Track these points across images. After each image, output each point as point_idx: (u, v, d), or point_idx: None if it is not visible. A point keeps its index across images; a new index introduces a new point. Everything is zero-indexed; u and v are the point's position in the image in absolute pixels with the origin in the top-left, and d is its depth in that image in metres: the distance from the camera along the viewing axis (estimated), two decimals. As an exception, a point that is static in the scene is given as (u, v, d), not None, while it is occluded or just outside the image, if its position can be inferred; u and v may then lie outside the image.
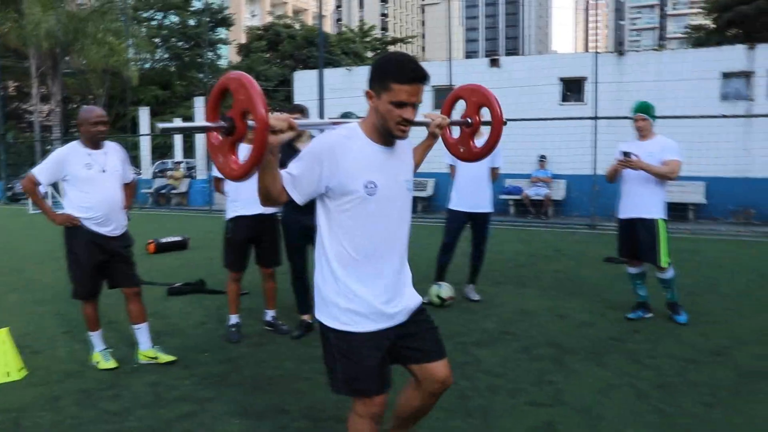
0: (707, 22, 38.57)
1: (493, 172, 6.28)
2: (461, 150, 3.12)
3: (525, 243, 10.51)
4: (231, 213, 5.09)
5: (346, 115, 5.14)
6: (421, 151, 2.84)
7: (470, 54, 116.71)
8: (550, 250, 9.70)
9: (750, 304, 6.19)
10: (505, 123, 2.96)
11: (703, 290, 6.80)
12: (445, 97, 3.16)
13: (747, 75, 14.25)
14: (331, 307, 2.34)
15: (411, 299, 2.48)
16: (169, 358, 4.58)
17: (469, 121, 2.99)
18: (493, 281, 7.17)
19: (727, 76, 14.34)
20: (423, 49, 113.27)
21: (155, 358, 4.57)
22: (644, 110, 5.56)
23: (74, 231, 4.31)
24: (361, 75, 18.77)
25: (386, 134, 2.29)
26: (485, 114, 2.99)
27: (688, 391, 3.97)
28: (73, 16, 25.36)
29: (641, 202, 5.43)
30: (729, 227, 12.95)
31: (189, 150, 23.85)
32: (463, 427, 3.47)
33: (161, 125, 2.10)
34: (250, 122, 2.05)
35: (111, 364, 4.48)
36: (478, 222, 6.23)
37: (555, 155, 14.75)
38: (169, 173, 20.46)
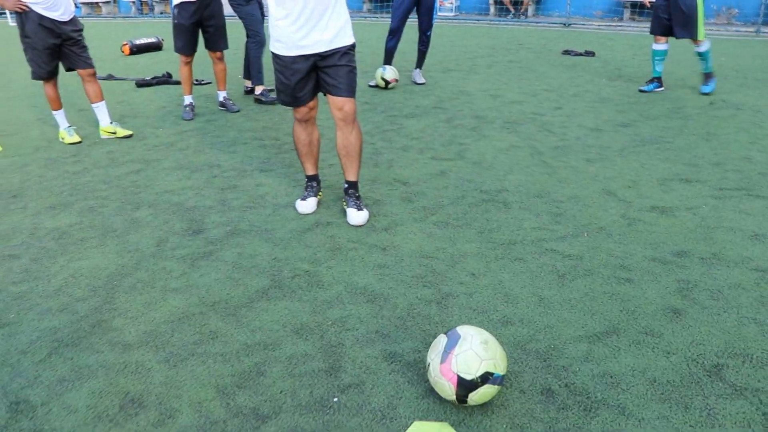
0: None
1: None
2: None
3: (493, 38, 10.68)
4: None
5: None
6: None
7: None
8: (514, 44, 9.90)
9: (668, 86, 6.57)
10: None
11: (642, 78, 7.13)
12: None
13: None
14: (272, 40, 3.15)
15: (331, 37, 3.07)
16: (126, 132, 5.12)
17: None
18: (443, 69, 7.54)
19: None
20: None
21: (114, 132, 5.11)
22: None
23: (26, 17, 4.64)
24: None
25: None
26: None
27: (579, 151, 4.51)
28: None
29: None
30: (709, 27, 12.87)
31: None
32: (370, 173, 4.05)
33: None
34: None
35: (75, 138, 5.03)
36: (423, 8, 6.45)
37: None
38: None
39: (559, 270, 2.83)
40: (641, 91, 6.30)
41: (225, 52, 5.66)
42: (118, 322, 2.54)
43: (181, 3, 5.31)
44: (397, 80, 6.50)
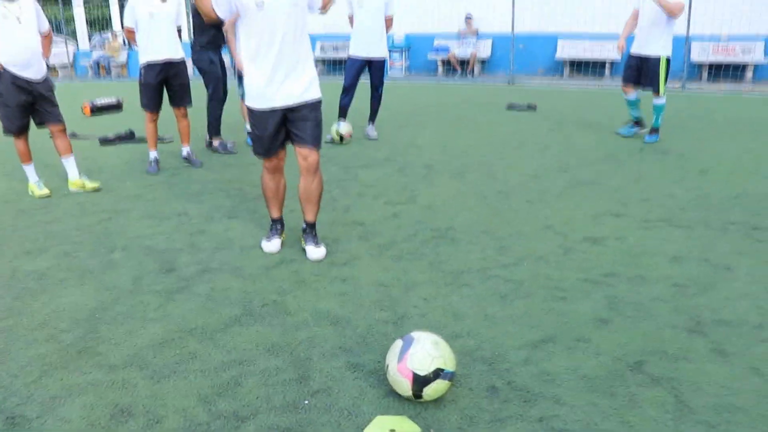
0: None
1: (388, 21, 6.89)
2: None
3: (441, 95, 11.26)
4: (143, 60, 5.71)
5: None
6: None
7: None
8: (461, 100, 10.48)
9: (601, 136, 7.12)
10: None
11: (580, 130, 7.69)
12: None
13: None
14: (247, 95, 3.46)
15: (300, 91, 3.41)
16: (95, 184, 5.36)
17: None
18: (396, 125, 7.98)
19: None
20: None
21: (83, 185, 5.34)
22: None
23: (0, 76, 4.91)
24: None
25: None
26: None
27: (520, 194, 4.92)
28: None
29: (652, 40, 6.46)
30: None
31: (126, 20, 23.44)
32: (328, 217, 4.36)
33: None
34: None
35: (44, 191, 5.24)
36: (374, 67, 6.91)
37: (481, 14, 15.22)
38: (106, 43, 20.35)
39: (502, 292, 3.16)
40: (617, 133, 7.04)
41: (189, 109, 5.98)
42: (102, 347, 2.76)
43: (148, 64, 5.65)
44: (351, 135, 6.90)
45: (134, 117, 9.62)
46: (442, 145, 6.75)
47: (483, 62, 15.58)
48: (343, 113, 6.98)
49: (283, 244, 3.88)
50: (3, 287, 3.44)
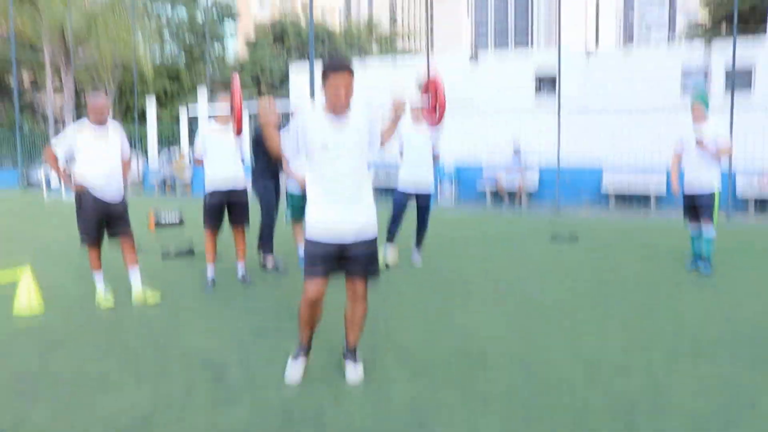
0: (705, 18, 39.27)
1: (435, 157, 7.42)
2: (426, 119, 5.06)
3: (488, 225, 11.66)
4: (209, 188, 6.31)
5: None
6: (389, 126, 3.85)
7: (480, 44, 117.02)
8: (505, 232, 10.83)
9: (655, 279, 7.29)
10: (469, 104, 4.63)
11: (632, 261, 7.89)
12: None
13: (705, 72, 15.22)
14: (308, 218, 3.72)
15: (359, 228, 3.66)
16: (155, 297, 5.80)
17: (428, 98, 4.78)
18: (441, 251, 8.36)
19: (686, 73, 15.37)
20: (430, 43, 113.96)
21: (144, 297, 5.78)
22: (701, 98, 6.93)
23: (83, 195, 5.52)
24: (356, 67, 19.90)
25: (333, 108, 3.55)
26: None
27: (555, 321, 5.12)
28: (86, 12, 26.66)
29: (702, 178, 6.87)
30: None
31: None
32: (366, 337, 4.63)
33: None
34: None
35: (109, 303, 5.70)
36: (421, 200, 7.37)
37: (529, 146, 15.86)
38: (173, 162, 21.69)
39: (529, 417, 3.35)
40: (687, 269, 7.12)
41: (246, 229, 6.50)
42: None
43: (213, 192, 6.24)
44: (396, 262, 7.27)
45: (194, 231, 10.27)
46: (483, 271, 7.05)
47: (530, 193, 16.04)
48: (390, 237, 7.37)
49: (306, 363, 3.99)
50: (68, 384, 3.78)
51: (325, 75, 3.50)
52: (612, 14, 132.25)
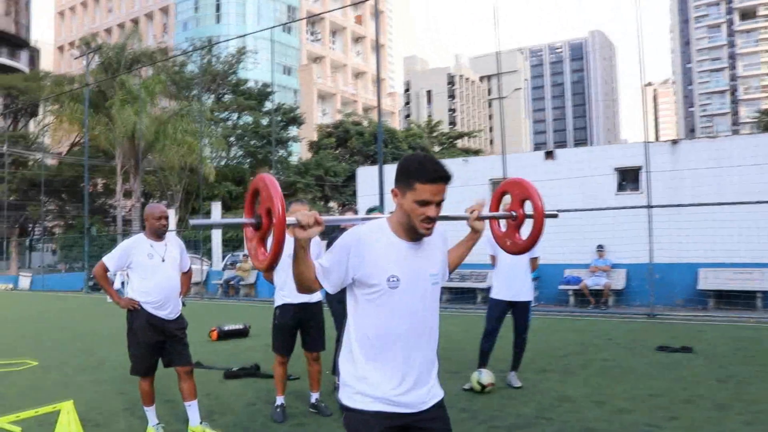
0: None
1: (533, 261, 6.50)
2: (508, 243, 3.08)
3: (579, 332, 10.48)
4: (279, 301, 5.50)
5: (372, 210, 5.66)
6: (465, 246, 2.80)
7: (538, 145, 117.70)
8: (603, 338, 9.65)
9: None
10: (555, 215, 3.00)
11: (757, 379, 6.67)
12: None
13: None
14: (347, 388, 2.45)
15: (430, 392, 2.49)
16: (216, 435, 4.91)
17: (513, 214, 2.98)
18: (538, 369, 7.24)
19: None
20: (491, 142, 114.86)
21: (203, 435, 4.90)
22: None
23: (135, 313, 4.80)
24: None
25: (411, 230, 2.41)
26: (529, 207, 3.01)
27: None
28: (155, 119, 27.41)
29: None
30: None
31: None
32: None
33: (193, 222, 2.36)
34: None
35: (163, 439, 4.84)
36: (519, 310, 6.42)
37: (613, 244, 14.74)
38: (238, 265, 21.32)
39: None
40: None
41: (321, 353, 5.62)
42: None
43: (283, 305, 5.41)
44: (493, 384, 6.22)
45: (260, 345, 9.45)
46: (597, 400, 5.91)
47: (617, 293, 14.78)
48: (484, 359, 6.38)
49: None
50: None
51: (408, 183, 2.36)
52: (670, 108, 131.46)
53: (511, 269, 6.37)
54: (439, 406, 2.51)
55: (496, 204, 3.13)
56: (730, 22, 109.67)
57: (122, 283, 14.68)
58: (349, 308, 2.50)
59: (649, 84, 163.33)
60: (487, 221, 2.82)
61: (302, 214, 2.30)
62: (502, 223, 3.16)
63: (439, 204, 2.37)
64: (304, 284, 2.43)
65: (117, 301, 4.89)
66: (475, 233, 2.76)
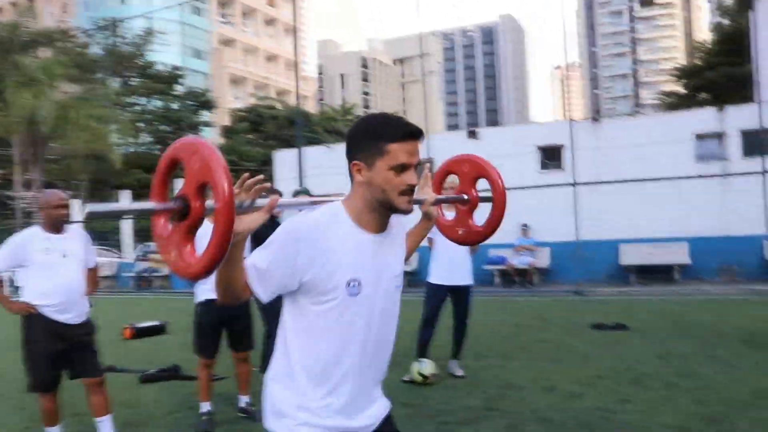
0: (678, 89, 40.05)
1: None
2: (460, 232, 2.62)
3: (510, 313, 10.33)
4: (200, 296, 4.90)
5: (299, 193, 5.16)
6: (416, 236, 2.32)
7: (451, 127, 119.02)
8: (536, 319, 9.52)
9: (744, 367, 6.00)
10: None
11: (695, 353, 6.61)
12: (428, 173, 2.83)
13: (719, 136, 14.49)
14: (287, 419, 1.93)
15: (381, 407, 2.07)
16: (134, 452, 4.30)
17: (465, 197, 2.53)
18: (477, 355, 6.94)
19: (700, 137, 14.58)
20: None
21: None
22: None
23: (32, 319, 4.11)
24: (341, 151, 18.92)
25: (382, 215, 1.90)
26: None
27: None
28: (57, 103, 25.64)
29: None
30: (715, 287, 12.88)
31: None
32: None
33: (90, 209, 1.61)
34: (209, 202, 1.60)
35: (71, 462, 4.20)
36: (459, 295, 6.07)
37: (538, 223, 14.74)
38: (151, 256, 20.26)
39: None
40: None
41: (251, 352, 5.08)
42: None
43: (206, 301, 4.83)
44: (436, 375, 5.84)
45: (178, 340, 8.76)
46: (544, 386, 5.63)
47: (542, 271, 14.82)
48: (423, 349, 5.98)
49: None
50: None
51: (377, 148, 1.84)
52: (578, 91, 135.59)
53: (450, 253, 5.99)
54: (388, 417, 2.08)
55: (437, 188, 2.62)
56: (631, 9, 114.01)
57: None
58: (287, 320, 1.95)
59: (559, 67, 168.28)
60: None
61: (244, 190, 1.75)
62: (446, 209, 2.74)
63: (416, 168, 1.89)
64: (231, 293, 1.83)
65: (8, 306, 4.17)
66: (429, 221, 2.30)
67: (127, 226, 22.47)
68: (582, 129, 14.56)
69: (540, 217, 14.38)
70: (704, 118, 14.60)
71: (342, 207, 1.92)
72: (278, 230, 1.86)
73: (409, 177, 1.86)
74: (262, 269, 1.81)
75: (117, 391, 4.49)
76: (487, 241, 7.78)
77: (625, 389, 5.42)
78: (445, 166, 2.68)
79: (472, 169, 2.56)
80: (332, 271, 1.83)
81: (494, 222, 2.53)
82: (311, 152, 18.23)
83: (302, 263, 1.81)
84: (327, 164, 17.36)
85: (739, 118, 14.22)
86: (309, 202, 2.07)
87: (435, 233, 5.93)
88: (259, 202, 1.78)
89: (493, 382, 5.80)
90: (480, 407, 5.09)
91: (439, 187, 2.65)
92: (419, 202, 2.18)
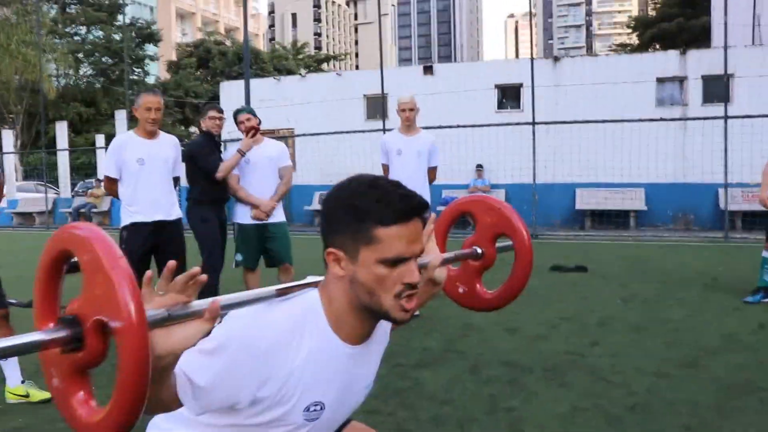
0: (632, 41, 40.09)
1: (431, 172, 5.70)
2: (460, 290, 2.07)
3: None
4: (126, 219, 4.33)
5: (240, 112, 4.69)
6: (418, 303, 1.64)
7: (403, 62, 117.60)
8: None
9: (711, 310, 5.73)
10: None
11: (660, 297, 6.33)
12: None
13: (681, 80, 14.23)
14: None
15: None
16: (44, 395, 3.72)
17: (480, 251, 1.98)
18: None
19: (661, 81, 14.29)
20: (357, 67, 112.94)
21: (26, 396, 3.72)
22: None
23: None
24: (289, 84, 18.10)
25: (367, 322, 1.38)
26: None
27: (666, 413, 3.39)
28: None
29: None
30: (671, 233, 12.79)
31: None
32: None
33: None
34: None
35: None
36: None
37: (493, 164, 14.34)
38: (89, 191, 19.27)
39: None
40: (745, 302, 5.77)
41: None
42: None
43: (133, 224, 4.23)
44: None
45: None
46: (507, 327, 5.24)
47: (496, 214, 14.50)
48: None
49: None
50: None
51: (363, 233, 1.27)
52: (530, 39, 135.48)
53: (407, 179, 5.43)
54: None
55: (445, 228, 2.04)
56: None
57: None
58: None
59: (512, 16, 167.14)
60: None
61: (169, 298, 1.14)
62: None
63: (416, 258, 1.34)
64: (156, 409, 1.30)
65: None
66: (435, 286, 1.67)
67: (63, 160, 21.27)
68: (541, 68, 14.03)
69: (496, 158, 13.95)
70: (666, 60, 14.27)
71: (319, 302, 1.37)
72: (228, 333, 1.28)
73: (409, 273, 1.30)
74: (198, 386, 1.26)
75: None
76: (440, 182, 7.22)
77: (591, 331, 5.08)
78: (460, 205, 2.10)
79: (494, 219, 1.96)
80: (290, 395, 1.33)
81: (514, 288, 1.97)
82: (259, 84, 17.38)
83: (251, 384, 1.28)
84: (274, 96, 16.63)
85: (701, 62, 13.93)
86: (275, 293, 1.33)
87: (390, 159, 5.49)
88: (195, 304, 1.16)
89: (453, 323, 5.39)
90: (439, 349, 4.67)
91: (445, 236, 2.05)
92: (422, 268, 1.55)
